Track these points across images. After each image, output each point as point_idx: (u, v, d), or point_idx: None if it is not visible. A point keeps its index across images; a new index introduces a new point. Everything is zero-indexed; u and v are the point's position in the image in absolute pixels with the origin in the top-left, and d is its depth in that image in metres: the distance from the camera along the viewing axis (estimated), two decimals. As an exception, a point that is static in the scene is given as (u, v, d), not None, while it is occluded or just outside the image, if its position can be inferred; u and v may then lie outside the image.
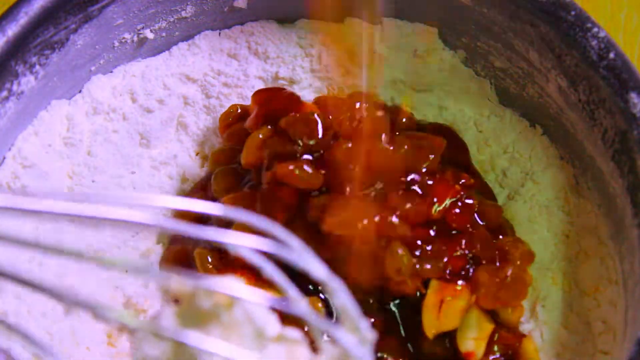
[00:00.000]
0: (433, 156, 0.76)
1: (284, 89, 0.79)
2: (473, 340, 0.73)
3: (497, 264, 0.74)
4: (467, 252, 0.74)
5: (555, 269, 0.77)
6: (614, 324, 0.72)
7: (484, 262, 0.74)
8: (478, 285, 0.72)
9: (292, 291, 0.50)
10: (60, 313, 0.74)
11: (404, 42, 0.85)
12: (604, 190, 0.74)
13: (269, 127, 0.76)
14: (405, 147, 0.75)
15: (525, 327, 0.76)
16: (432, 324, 0.72)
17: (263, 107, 0.78)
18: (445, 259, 0.73)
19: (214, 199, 0.78)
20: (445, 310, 0.72)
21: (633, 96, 0.70)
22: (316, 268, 0.50)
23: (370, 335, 0.53)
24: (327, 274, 0.51)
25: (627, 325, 0.70)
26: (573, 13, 0.73)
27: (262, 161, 0.75)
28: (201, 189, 0.81)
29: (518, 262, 0.74)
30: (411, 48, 0.85)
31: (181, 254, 0.78)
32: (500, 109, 0.84)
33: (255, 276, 0.69)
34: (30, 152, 0.79)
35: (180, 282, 0.48)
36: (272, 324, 0.51)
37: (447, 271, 0.73)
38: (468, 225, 0.74)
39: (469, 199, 0.75)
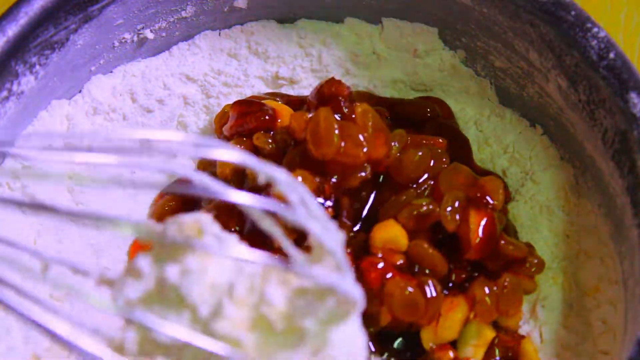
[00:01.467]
0: (445, 159, 0.76)
1: (264, 105, 0.79)
2: (472, 347, 0.73)
3: (506, 272, 0.74)
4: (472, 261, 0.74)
5: (556, 269, 0.77)
6: (614, 324, 0.72)
7: (486, 271, 0.74)
8: (475, 300, 0.73)
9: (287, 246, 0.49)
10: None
11: (404, 42, 0.85)
12: (604, 190, 0.74)
13: (244, 140, 0.77)
14: (420, 153, 0.75)
15: (525, 327, 0.76)
16: (430, 336, 0.72)
17: (239, 119, 0.78)
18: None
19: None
20: (442, 323, 0.72)
21: (633, 96, 0.70)
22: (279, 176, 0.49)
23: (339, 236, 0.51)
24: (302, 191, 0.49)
25: (627, 325, 0.70)
26: (573, 13, 0.73)
27: (238, 172, 0.75)
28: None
29: (532, 270, 0.75)
30: (411, 48, 0.85)
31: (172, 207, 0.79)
32: (500, 109, 0.84)
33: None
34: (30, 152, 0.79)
35: (150, 224, 0.48)
36: (245, 249, 0.51)
37: (450, 284, 0.74)
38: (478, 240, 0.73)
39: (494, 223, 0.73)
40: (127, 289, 0.49)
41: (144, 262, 0.50)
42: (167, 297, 0.49)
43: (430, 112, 0.82)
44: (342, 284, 0.48)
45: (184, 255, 0.49)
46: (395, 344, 0.74)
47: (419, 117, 0.82)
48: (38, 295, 0.48)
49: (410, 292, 0.70)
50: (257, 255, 0.48)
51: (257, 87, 0.85)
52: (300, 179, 0.70)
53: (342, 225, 0.72)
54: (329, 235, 0.49)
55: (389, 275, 0.71)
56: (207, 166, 0.80)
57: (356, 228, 0.74)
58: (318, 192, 0.71)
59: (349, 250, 0.72)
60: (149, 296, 0.50)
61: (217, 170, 0.77)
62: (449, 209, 0.72)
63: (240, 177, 0.75)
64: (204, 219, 0.51)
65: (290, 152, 0.73)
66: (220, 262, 0.50)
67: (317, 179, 0.71)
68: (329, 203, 0.72)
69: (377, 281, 0.70)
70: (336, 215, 0.72)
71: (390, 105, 0.82)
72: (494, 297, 0.73)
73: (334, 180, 0.72)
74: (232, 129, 0.78)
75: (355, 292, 0.48)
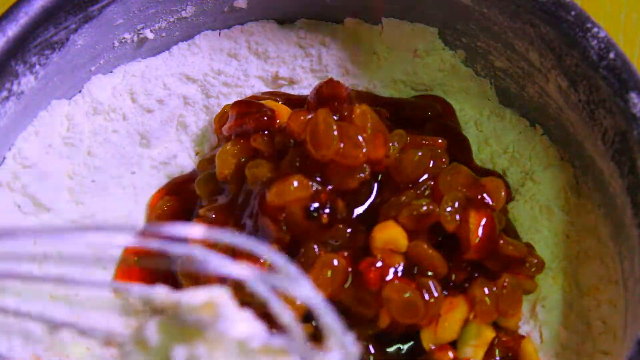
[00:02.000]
0: (444, 159, 0.76)
1: (263, 105, 0.79)
2: (472, 347, 0.73)
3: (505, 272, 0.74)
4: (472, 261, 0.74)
5: (556, 269, 0.77)
6: (614, 324, 0.73)
7: (485, 271, 0.74)
8: (475, 301, 0.72)
9: (281, 312, 0.49)
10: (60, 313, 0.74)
11: (404, 42, 0.85)
12: (604, 190, 0.74)
13: (241, 141, 0.77)
14: (420, 153, 0.74)
15: (525, 327, 0.76)
16: (429, 337, 0.72)
17: (238, 119, 0.78)
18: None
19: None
20: (442, 323, 0.72)
21: (633, 96, 0.70)
22: (304, 289, 0.50)
23: (355, 349, 0.53)
24: (314, 294, 0.50)
25: (627, 325, 0.70)
26: (573, 13, 0.73)
27: (237, 173, 0.75)
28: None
29: (532, 270, 0.75)
30: (411, 48, 0.85)
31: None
32: (500, 108, 0.84)
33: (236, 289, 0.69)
34: (30, 152, 0.79)
35: (164, 295, 0.48)
36: (258, 335, 0.51)
37: (450, 284, 0.73)
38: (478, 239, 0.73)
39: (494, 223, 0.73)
40: (133, 357, 0.49)
41: (152, 333, 0.50)
42: None
43: (431, 112, 0.82)
44: None
45: (194, 338, 0.49)
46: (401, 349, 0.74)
47: (419, 117, 0.82)
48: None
49: (408, 296, 0.70)
50: (276, 340, 0.48)
51: (257, 87, 0.85)
52: (296, 184, 0.70)
53: (338, 228, 0.72)
54: (334, 321, 0.50)
55: (389, 277, 0.71)
56: (207, 166, 0.80)
57: (356, 229, 0.74)
58: (314, 199, 0.71)
59: (346, 254, 0.72)
60: None
61: (216, 170, 0.77)
62: (448, 209, 0.72)
63: (240, 178, 0.75)
64: (219, 297, 0.50)
65: (290, 153, 0.73)
66: (229, 346, 0.50)
67: (314, 185, 0.71)
68: (326, 210, 0.72)
69: (377, 282, 0.70)
70: (332, 218, 0.72)
71: (390, 105, 0.82)
72: (494, 298, 0.73)
73: (330, 187, 0.72)
74: (230, 129, 0.78)
75: None
